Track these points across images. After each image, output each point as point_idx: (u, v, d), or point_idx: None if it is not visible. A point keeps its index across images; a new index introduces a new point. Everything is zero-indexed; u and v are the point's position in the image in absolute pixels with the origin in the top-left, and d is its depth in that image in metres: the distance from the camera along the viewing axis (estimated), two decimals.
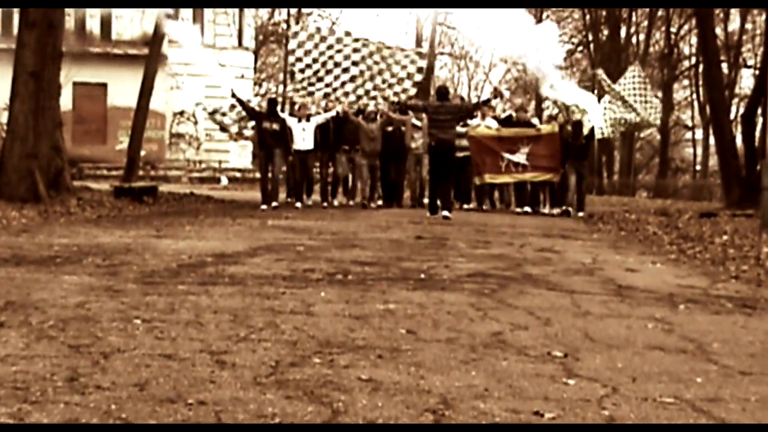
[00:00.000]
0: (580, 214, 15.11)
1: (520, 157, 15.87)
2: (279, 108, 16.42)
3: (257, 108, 16.16)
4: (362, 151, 16.08)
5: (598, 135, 16.00)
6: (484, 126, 16.21)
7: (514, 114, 17.17)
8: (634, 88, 15.92)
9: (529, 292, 6.09)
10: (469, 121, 15.85)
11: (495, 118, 16.77)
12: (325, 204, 15.96)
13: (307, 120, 15.69)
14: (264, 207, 14.58)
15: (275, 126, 14.88)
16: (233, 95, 15.44)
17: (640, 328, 4.92)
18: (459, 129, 14.95)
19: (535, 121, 17.25)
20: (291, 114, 16.22)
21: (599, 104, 15.83)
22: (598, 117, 15.55)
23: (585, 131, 15.43)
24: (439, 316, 5.08)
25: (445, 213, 12.98)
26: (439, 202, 13.41)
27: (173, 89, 31.43)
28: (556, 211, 15.87)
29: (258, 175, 18.83)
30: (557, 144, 15.65)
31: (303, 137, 15.58)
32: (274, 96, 16.99)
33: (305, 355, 4.05)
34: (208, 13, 33.17)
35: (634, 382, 3.76)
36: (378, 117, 16.26)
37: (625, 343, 4.52)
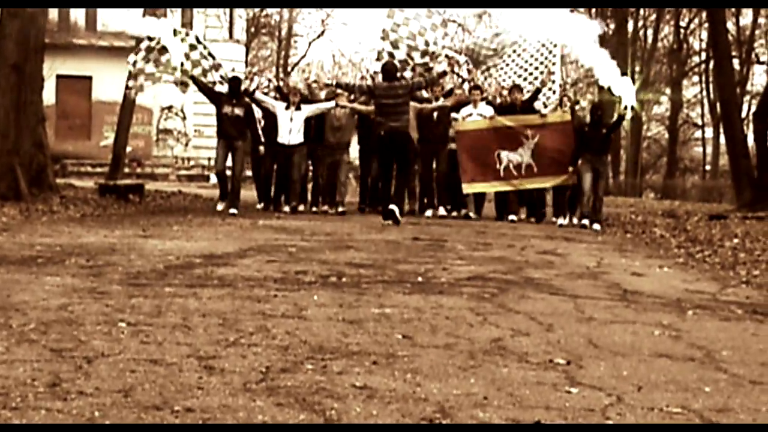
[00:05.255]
0: (596, 226, 12.18)
1: (524, 155, 12.81)
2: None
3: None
4: (326, 144, 13.45)
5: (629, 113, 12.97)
6: (476, 115, 13.09)
7: (505, 95, 13.82)
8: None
9: (531, 297, 5.98)
10: (454, 114, 13.20)
11: (491, 104, 13.53)
12: (314, 209, 13.64)
13: (298, 107, 13.04)
14: (220, 207, 12.81)
15: (238, 111, 12.60)
16: (191, 76, 13.13)
17: (647, 335, 4.83)
18: (455, 116, 13.05)
19: (538, 105, 13.50)
20: (283, 98, 13.44)
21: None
22: (631, 94, 12.49)
23: (611, 116, 12.85)
24: (437, 321, 4.97)
25: (392, 207, 11.13)
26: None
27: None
28: (564, 221, 12.81)
29: (249, 173, 16.26)
30: (570, 136, 12.60)
31: (290, 128, 12.98)
32: (236, 74, 13.45)
33: (297, 360, 3.96)
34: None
35: (640, 391, 3.67)
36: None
37: (631, 350, 4.43)
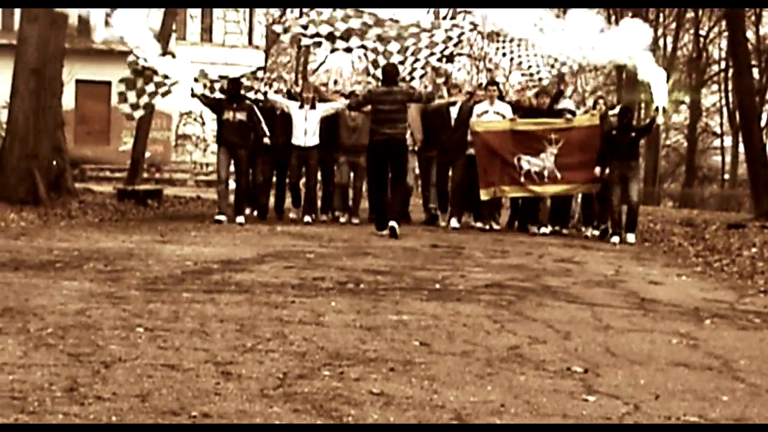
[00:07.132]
0: (630, 238, 11.36)
1: (546, 161, 11.88)
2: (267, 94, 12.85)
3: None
4: (341, 146, 12.51)
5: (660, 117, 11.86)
6: (492, 113, 12.14)
7: (529, 97, 12.83)
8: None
9: (548, 305, 5.96)
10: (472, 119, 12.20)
11: (509, 104, 12.54)
12: (325, 218, 12.81)
13: (312, 107, 12.17)
14: (221, 218, 11.78)
15: (240, 116, 11.71)
16: (193, 94, 12.30)
17: (664, 344, 4.80)
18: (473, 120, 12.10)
19: (567, 103, 12.68)
20: (294, 98, 12.61)
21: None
22: (663, 93, 11.66)
23: (642, 118, 12.28)
24: (454, 328, 4.96)
25: (392, 224, 10.47)
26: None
27: None
28: (593, 232, 12.00)
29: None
30: (597, 142, 11.59)
31: (305, 129, 12.09)
32: (237, 77, 12.36)
33: (314, 367, 3.96)
34: (217, 10, 32.83)
35: (657, 399, 3.65)
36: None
37: (648, 359, 4.40)
